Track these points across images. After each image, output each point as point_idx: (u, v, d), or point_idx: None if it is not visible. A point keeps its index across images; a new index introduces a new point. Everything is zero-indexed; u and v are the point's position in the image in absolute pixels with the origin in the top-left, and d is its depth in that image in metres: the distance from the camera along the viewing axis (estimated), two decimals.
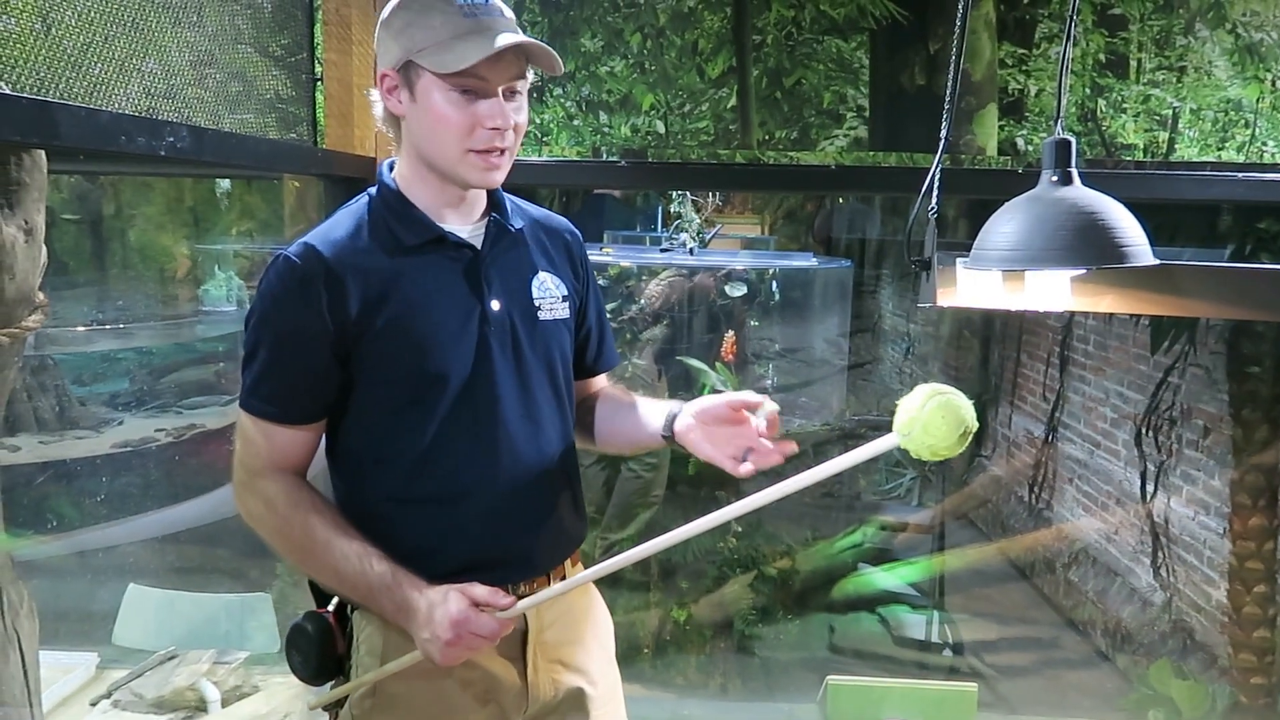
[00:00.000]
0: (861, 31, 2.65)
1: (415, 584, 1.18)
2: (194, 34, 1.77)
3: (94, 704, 2.46)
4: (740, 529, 4.32)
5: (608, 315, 1.50)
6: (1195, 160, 2.60)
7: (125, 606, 2.85)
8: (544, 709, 1.32)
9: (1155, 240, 1.32)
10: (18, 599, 1.52)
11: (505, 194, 1.34)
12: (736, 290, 5.03)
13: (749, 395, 1.24)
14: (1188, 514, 3.91)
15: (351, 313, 1.19)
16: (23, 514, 3.77)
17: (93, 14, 1.46)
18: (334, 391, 1.23)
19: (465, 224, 1.28)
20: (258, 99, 2.06)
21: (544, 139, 2.67)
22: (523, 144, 1.26)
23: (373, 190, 1.29)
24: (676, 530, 1.16)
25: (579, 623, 1.38)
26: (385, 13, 1.21)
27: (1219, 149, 2.62)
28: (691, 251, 5.08)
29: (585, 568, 1.28)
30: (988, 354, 5.67)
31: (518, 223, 1.33)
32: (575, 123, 2.69)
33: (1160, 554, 4.05)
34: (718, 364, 4.88)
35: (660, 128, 2.69)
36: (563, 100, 2.68)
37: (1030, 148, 2.63)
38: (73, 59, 1.39)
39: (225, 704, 2.46)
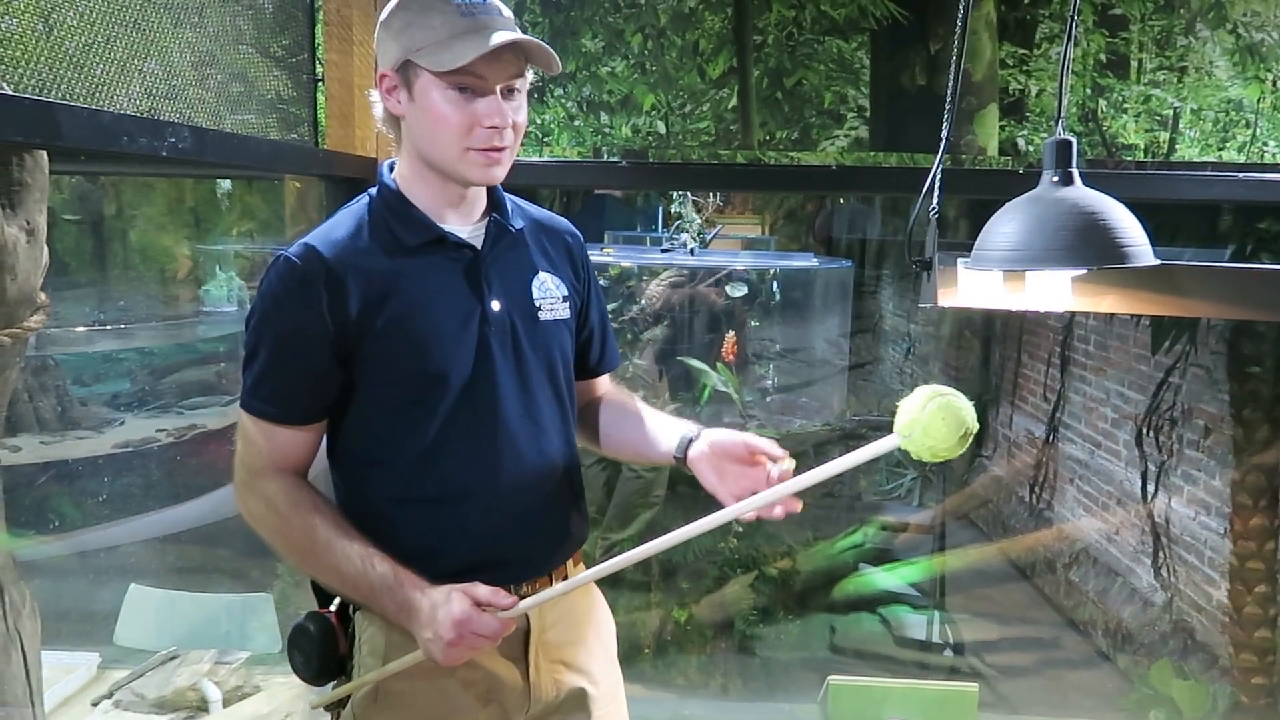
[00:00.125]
0: (862, 32, 2.65)
1: (417, 584, 1.18)
2: (195, 34, 1.77)
3: (95, 704, 2.47)
4: (741, 529, 4.32)
5: (609, 316, 1.51)
6: (1196, 160, 2.60)
7: (127, 606, 2.85)
8: (546, 709, 1.32)
9: (1156, 240, 1.32)
10: (20, 599, 1.52)
11: (506, 194, 1.34)
12: (737, 290, 5.03)
13: (769, 445, 1.24)
14: (1189, 514, 3.91)
15: (352, 313, 1.19)
16: (24, 514, 3.77)
17: (94, 15, 1.46)
18: (334, 392, 1.23)
19: (466, 224, 1.28)
20: (259, 99, 2.06)
21: (545, 139, 2.68)
22: (524, 144, 1.26)
23: (373, 191, 1.29)
24: (678, 530, 1.16)
25: (581, 623, 1.38)
26: (385, 13, 1.21)
27: (1220, 149, 2.62)
28: (692, 252, 5.09)
29: (587, 568, 1.28)
30: (988, 354, 5.67)
31: (518, 223, 1.33)
32: (576, 123, 2.69)
33: (1161, 554, 4.05)
34: (718, 364, 4.89)
35: (661, 128, 2.69)
36: (563, 101, 2.68)
37: (1031, 148, 2.63)
38: (75, 59, 1.39)
39: (227, 704, 2.46)
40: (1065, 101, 1.44)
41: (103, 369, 4.78)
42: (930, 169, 1.57)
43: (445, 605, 1.15)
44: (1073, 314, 4.61)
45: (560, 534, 1.34)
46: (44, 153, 1.41)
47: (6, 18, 1.30)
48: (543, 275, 1.33)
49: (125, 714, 2.42)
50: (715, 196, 5.26)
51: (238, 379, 1.25)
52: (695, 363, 4.83)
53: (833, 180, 2.77)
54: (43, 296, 1.46)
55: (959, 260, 1.57)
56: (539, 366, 1.30)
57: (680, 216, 5.17)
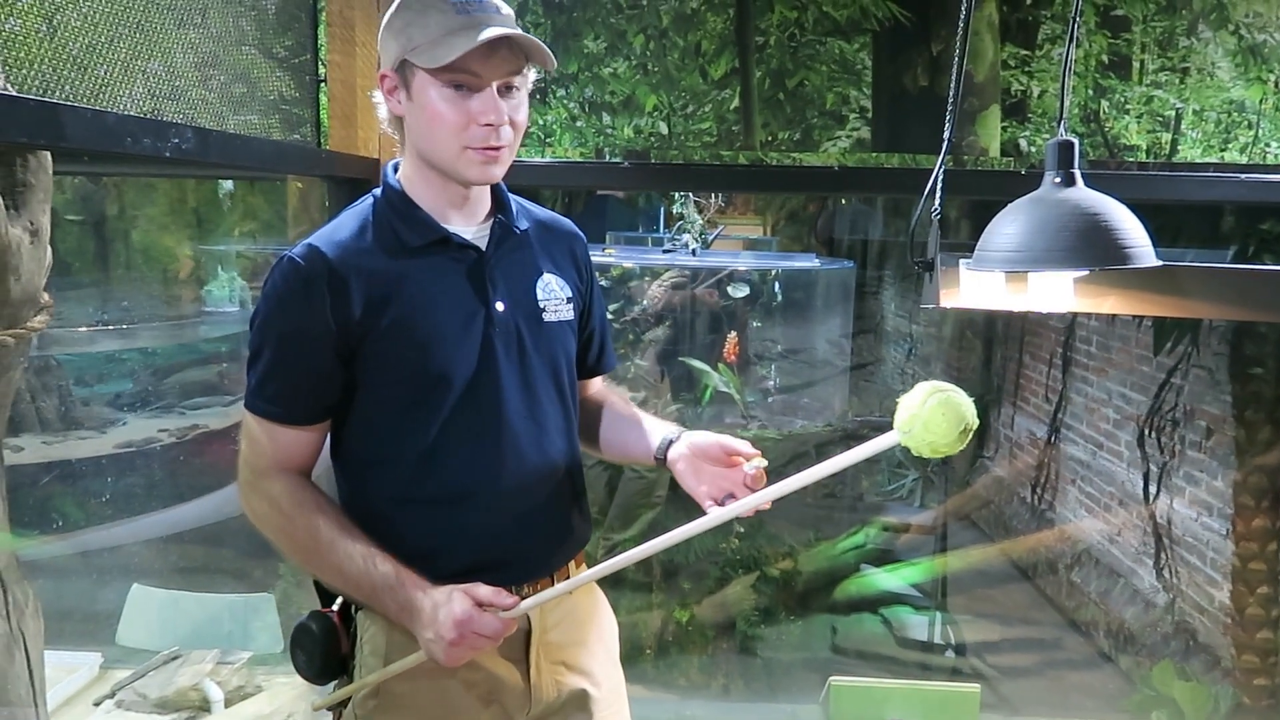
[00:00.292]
0: (864, 33, 2.65)
1: (419, 584, 1.18)
2: (198, 35, 1.77)
3: (98, 704, 2.47)
4: (742, 530, 4.32)
5: (609, 316, 1.51)
6: (1198, 161, 2.60)
7: (129, 606, 2.85)
8: (547, 710, 1.32)
9: (1158, 241, 1.32)
10: (23, 599, 1.52)
11: (511, 195, 1.34)
12: (739, 291, 5.03)
13: (743, 445, 1.27)
14: (1191, 515, 3.90)
15: (355, 314, 1.19)
16: (27, 514, 3.78)
17: (97, 16, 1.47)
18: (338, 392, 1.23)
19: (470, 225, 1.29)
20: (261, 100, 2.07)
21: (547, 140, 2.68)
22: (526, 145, 1.27)
23: (377, 191, 1.29)
24: (678, 529, 1.16)
25: (583, 624, 1.38)
26: (387, 15, 1.22)
27: (1222, 150, 2.62)
28: (694, 252, 5.09)
29: (589, 568, 1.28)
30: (990, 355, 5.66)
31: (523, 224, 1.33)
32: (578, 124, 2.69)
33: (1163, 555, 4.05)
34: (720, 365, 4.89)
35: (663, 129, 2.69)
36: (566, 101, 2.68)
37: (1033, 149, 2.63)
38: (78, 60, 1.39)
39: (229, 704, 2.47)
40: (1067, 102, 1.44)
41: (105, 369, 4.79)
42: (932, 170, 1.57)
43: (447, 605, 1.15)
44: (1075, 315, 4.61)
45: (562, 535, 1.34)
46: (48, 153, 1.41)
47: (10, 19, 1.30)
48: (547, 277, 1.33)
49: (127, 714, 2.42)
50: (717, 197, 5.26)
51: (240, 379, 1.26)
52: (697, 363, 4.84)
53: (834, 181, 2.77)
54: (46, 297, 1.46)
55: (961, 261, 1.57)
56: (543, 368, 1.30)
57: (682, 217, 5.17)
